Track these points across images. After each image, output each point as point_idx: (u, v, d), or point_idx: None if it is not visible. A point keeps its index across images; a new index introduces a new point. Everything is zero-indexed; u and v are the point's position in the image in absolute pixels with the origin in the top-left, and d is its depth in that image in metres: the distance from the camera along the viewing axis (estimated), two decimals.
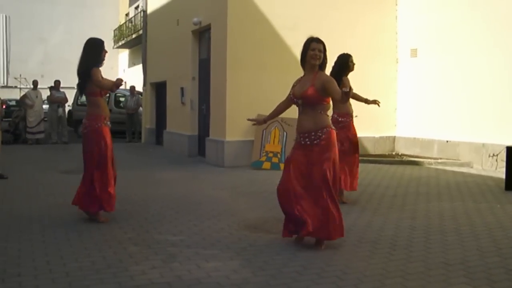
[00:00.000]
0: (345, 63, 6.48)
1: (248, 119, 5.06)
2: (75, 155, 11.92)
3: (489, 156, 9.88)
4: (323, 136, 4.42)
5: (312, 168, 4.43)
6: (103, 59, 5.41)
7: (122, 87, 5.85)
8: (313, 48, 4.45)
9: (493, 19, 9.93)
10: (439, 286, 3.59)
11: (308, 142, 4.46)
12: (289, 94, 4.66)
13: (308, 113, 4.49)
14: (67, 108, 16.89)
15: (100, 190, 5.31)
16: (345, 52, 6.63)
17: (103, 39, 5.60)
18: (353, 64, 6.59)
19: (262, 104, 10.22)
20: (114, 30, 33.47)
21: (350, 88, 4.10)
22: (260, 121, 4.97)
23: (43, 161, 11.07)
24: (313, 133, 4.44)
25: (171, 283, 3.59)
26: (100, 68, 5.38)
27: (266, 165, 9.90)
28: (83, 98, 5.99)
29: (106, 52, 5.42)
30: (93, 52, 5.35)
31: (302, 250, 4.39)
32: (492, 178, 8.74)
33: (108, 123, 5.45)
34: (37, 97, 15.03)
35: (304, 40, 4.62)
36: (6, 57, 37.34)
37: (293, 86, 4.65)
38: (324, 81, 4.45)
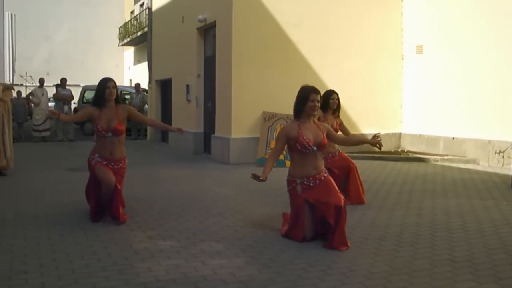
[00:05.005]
0: (326, 100, 6.19)
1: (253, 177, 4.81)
2: (80, 153, 11.98)
3: (496, 152, 9.83)
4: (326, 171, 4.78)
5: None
6: (107, 98, 5.24)
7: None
8: (313, 100, 4.57)
9: (498, 16, 9.87)
10: (445, 283, 3.58)
11: (317, 182, 4.61)
12: (280, 141, 4.75)
13: (318, 157, 4.68)
14: (73, 106, 16.93)
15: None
16: (330, 89, 6.47)
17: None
18: (335, 101, 6.36)
19: (267, 101, 10.28)
20: (119, 28, 33.46)
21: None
22: (263, 180, 4.66)
23: (49, 158, 11.12)
24: (323, 171, 4.69)
25: (176, 280, 3.60)
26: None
27: None
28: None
29: (111, 89, 5.23)
30: (96, 92, 5.38)
31: (308, 248, 4.39)
32: (498, 175, 8.70)
33: (99, 159, 5.26)
34: (43, 94, 15.09)
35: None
36: (12, 55, 37.49)
37: (297, 134, 4.58)
38: (328, 129, 4.82)
